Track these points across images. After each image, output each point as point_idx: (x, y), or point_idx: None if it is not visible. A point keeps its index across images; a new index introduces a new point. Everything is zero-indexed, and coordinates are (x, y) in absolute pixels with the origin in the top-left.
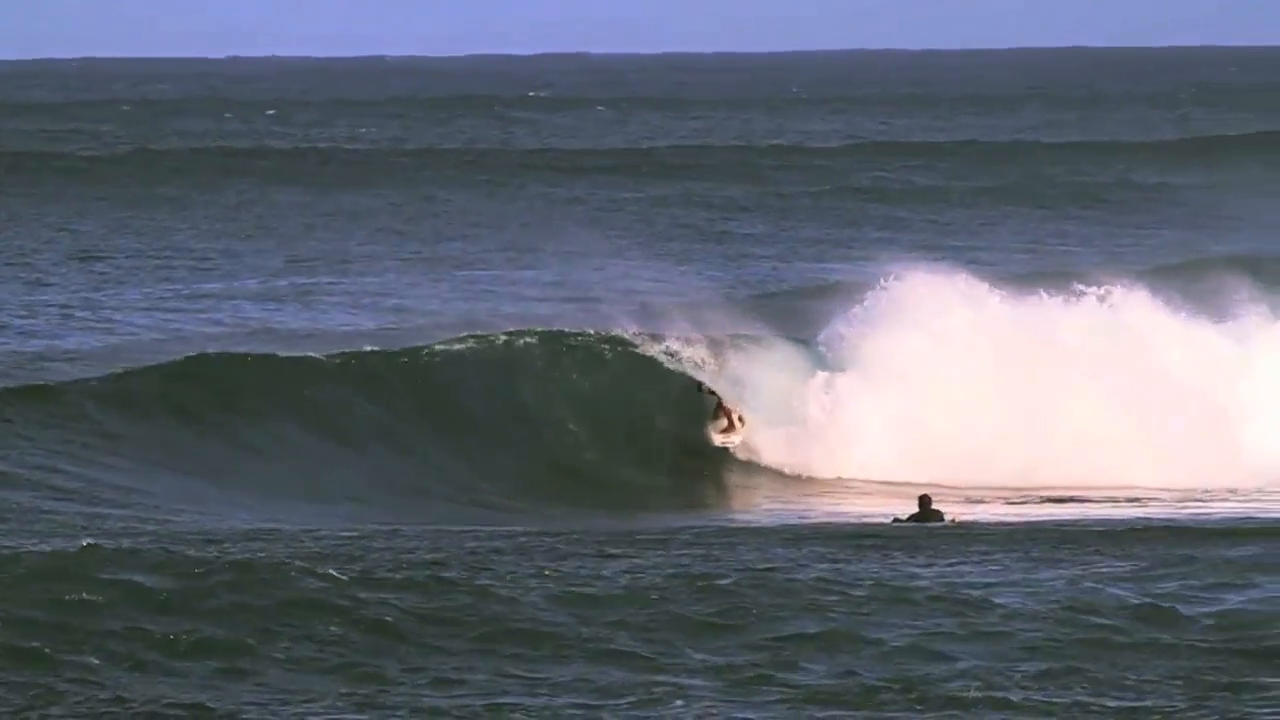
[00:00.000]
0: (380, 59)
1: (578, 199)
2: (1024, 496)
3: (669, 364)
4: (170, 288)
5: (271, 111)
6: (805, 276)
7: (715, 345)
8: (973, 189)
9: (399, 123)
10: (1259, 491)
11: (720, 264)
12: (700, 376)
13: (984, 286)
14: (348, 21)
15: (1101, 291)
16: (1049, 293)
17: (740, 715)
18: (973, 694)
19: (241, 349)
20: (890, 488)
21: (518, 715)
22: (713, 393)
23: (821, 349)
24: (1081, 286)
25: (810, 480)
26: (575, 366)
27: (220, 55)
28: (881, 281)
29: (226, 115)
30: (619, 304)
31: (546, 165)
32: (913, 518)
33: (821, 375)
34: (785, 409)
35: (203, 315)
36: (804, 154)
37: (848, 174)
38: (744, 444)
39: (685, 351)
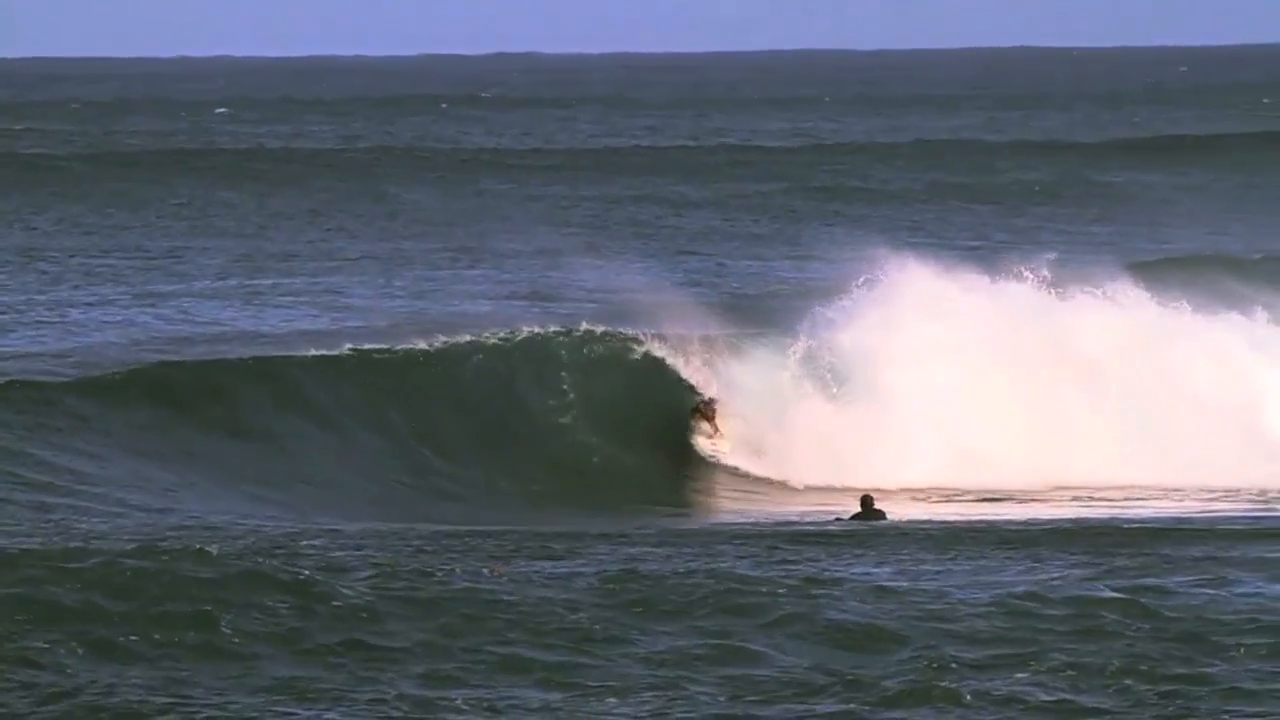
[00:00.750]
0: (332, 58)
1: (530, 197)
2: (995, 495)
3: (664, 365)
4: (119, 288)
5: (222, 110)
6: (771, 275)
7: (697, 344)
8: (925, 187)
9: (349, 121)
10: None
11: (678, 261)
12: (690, 379)
13: (963, 283)
14: (298, 21)
15: (1100, 290)
16: (1040, 289)
17: (680, 713)
18: (907, 687)
19: (200, 349)
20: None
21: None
22: (703, 404)
23: (804, 348)
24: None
25: (790, 483)
26: (568, 365)
27: (169, 54)
28: (858, 281)
29: (182, 114)
30: (582, 302)
31: (498, 164)
32: (855, 517)
33: (804, 376)
34: (771, 410)
35: (152, 314)
36: (756, 152)
37: (802, 172)
38: (724, 448)
39: (665, 350)
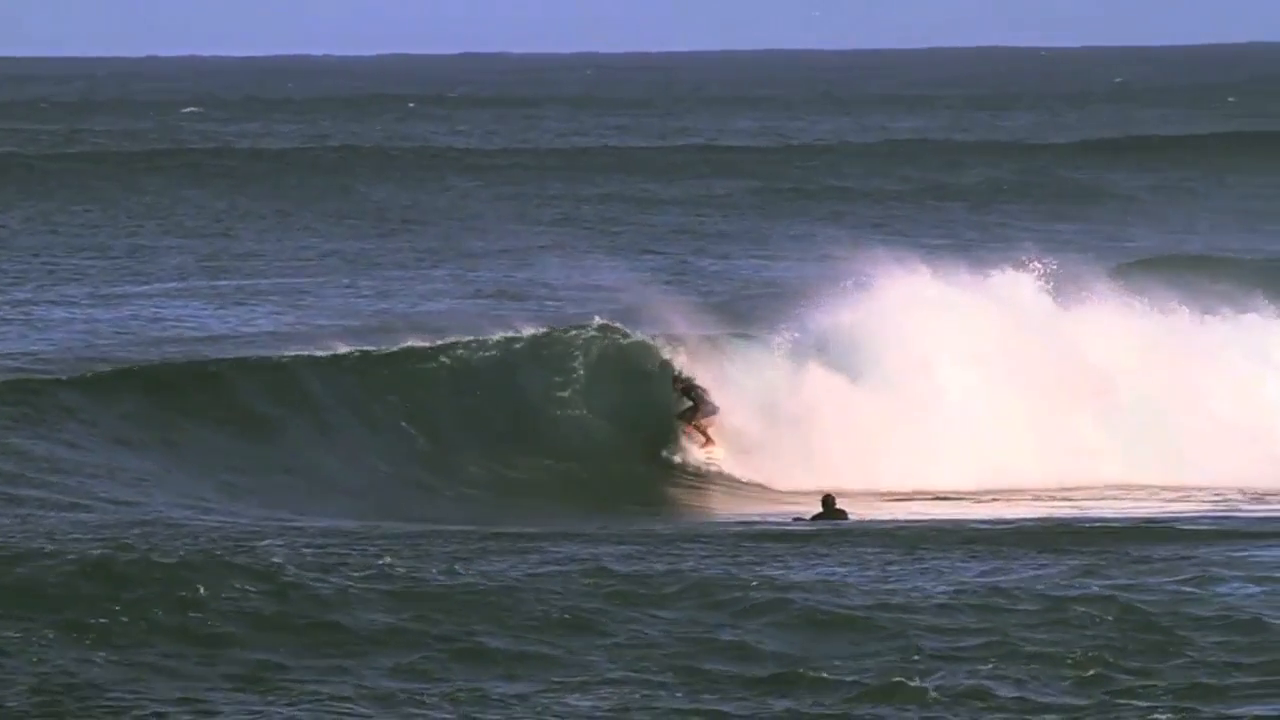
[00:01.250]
0: (304, 57)
1: (499, 196)
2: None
3: (659, 365)
4: (84, 287)
5: (190, 109)
6: (737, 274)
7: (682, 343)
8: (893, 186)
9: (317, 120)
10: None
11: (646, 260)
12: (678, 378)
13: (951, 284)
14: (267, 21)
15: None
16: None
17: (637, 711)
18: (872, 681)
19: (169, 348)
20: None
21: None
22: (687, 389)
23: (794, 348)
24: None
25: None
26: (565, 366)
27: (139, 54)
28: (848, 282)
29: (150, 113)
30: (549, 300)
31: (466, 163)
32: (816, 517)
33: (798, 374)
34: (765, 410)
35: (117, 312)
36: (725, 152)
37: (771, 172)
38: (717, 455)
39: (661, 348)
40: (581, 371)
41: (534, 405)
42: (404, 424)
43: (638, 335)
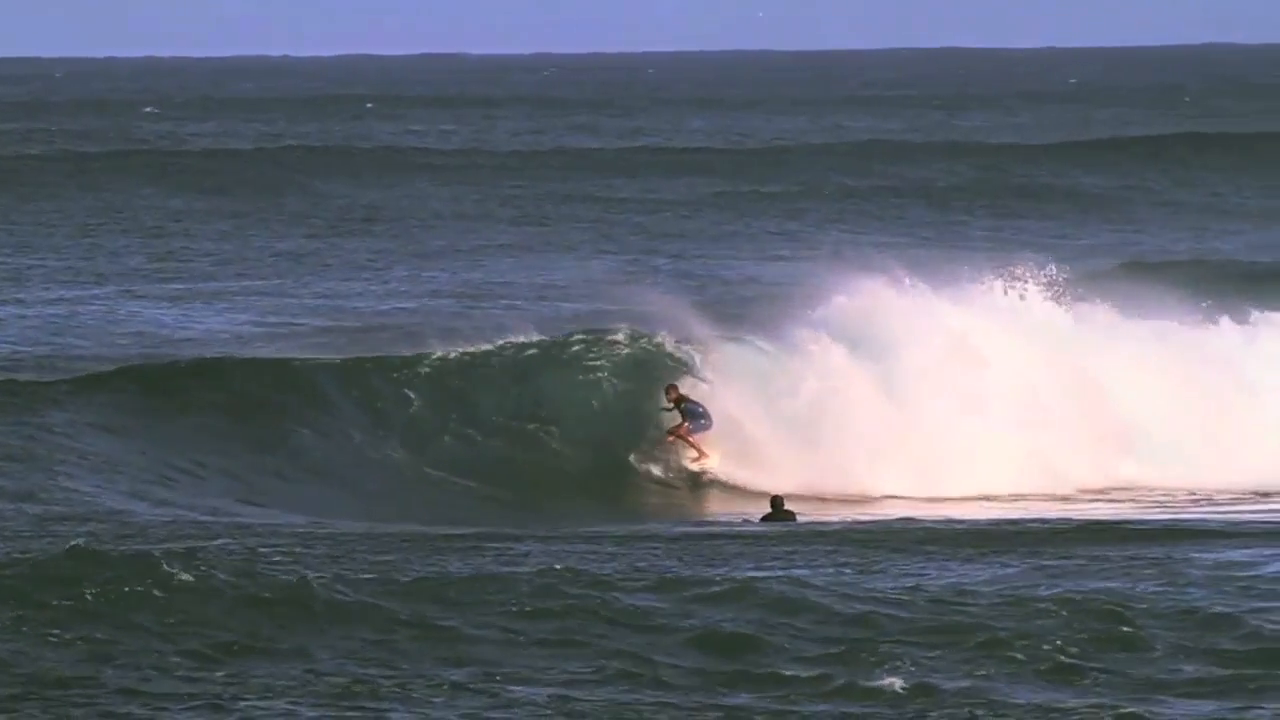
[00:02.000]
0: (262, 58)
1: (457, 196)
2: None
3: (655, 368)
4: (36, 291)
5: (149, 109)
6: (704, 273)
7: (703, 345)
8: (855, 186)
9: (274, 120)
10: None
11: (609, 258)
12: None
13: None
14: (224, 21)
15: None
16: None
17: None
18: (798, 673)
19: (130, 348)
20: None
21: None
22: (679, 401)
23: (795, 350)
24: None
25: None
26: (567, 371)
27: (98, 55)
28: (837, 289)
29: (109, 113)
30: (509, 298)
31: (425, 164)
32: (766, 518)
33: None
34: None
35: (75, 312)
36: (684, 153)
37: (734, 174)
38: (709, 465)
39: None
40: (603, 374)
41: (544, 409)
42: (407, 427)
43: (660, 340)
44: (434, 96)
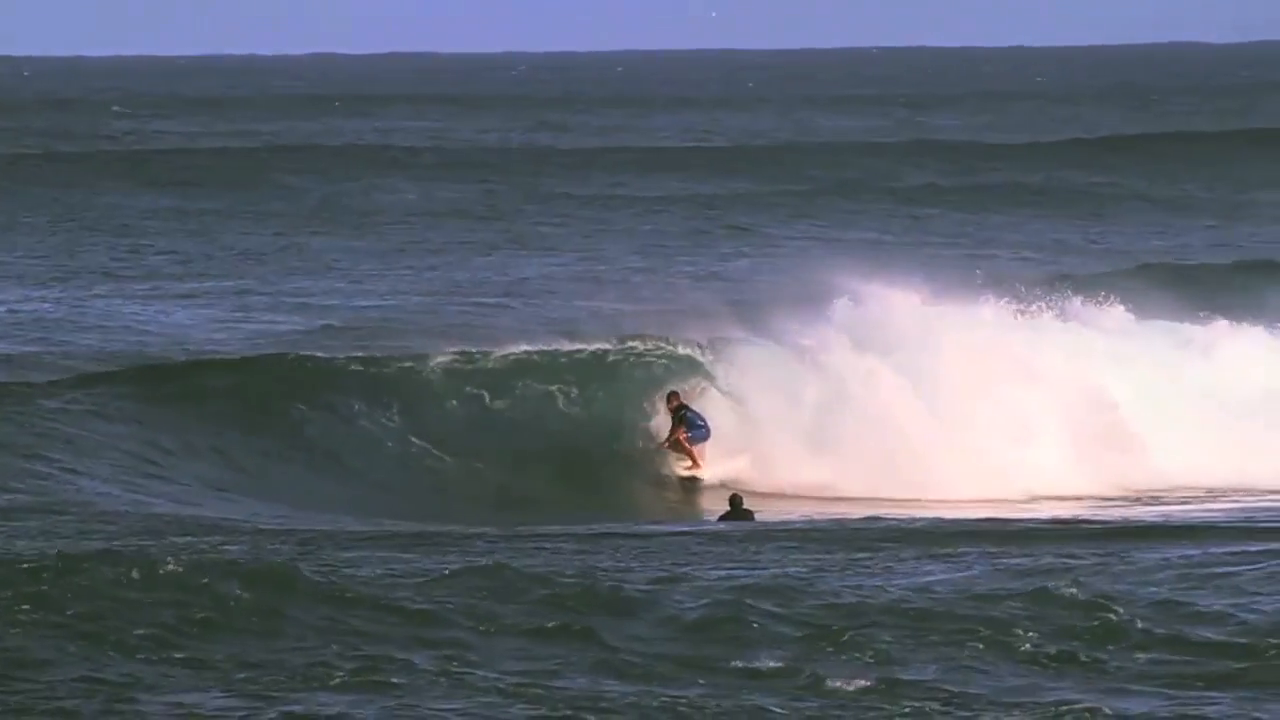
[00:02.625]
0: (230, 57)
1: (428, 195)
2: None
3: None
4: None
5: (116, 108)
6: (684, 273)
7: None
8: (819, 186)
9: (245, 119)
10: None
11: (581, 260)
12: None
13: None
14: (191, 20)
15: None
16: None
17: (552, 687)
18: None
19: (109, 346)
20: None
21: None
22: (677, 409)
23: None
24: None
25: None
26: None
27: (65, 53)
28: (842, 297)
29: (77, 112)
30: (479, 297)
31: (389, 163)
32: (723, 517)
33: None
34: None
35: (45, 311)
36: (652, 153)
37: (700, 173)
38: (703, 475)
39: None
40: (597, 379)
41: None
42: (414, 435)
43: (680, 348)
44: (403, 95)
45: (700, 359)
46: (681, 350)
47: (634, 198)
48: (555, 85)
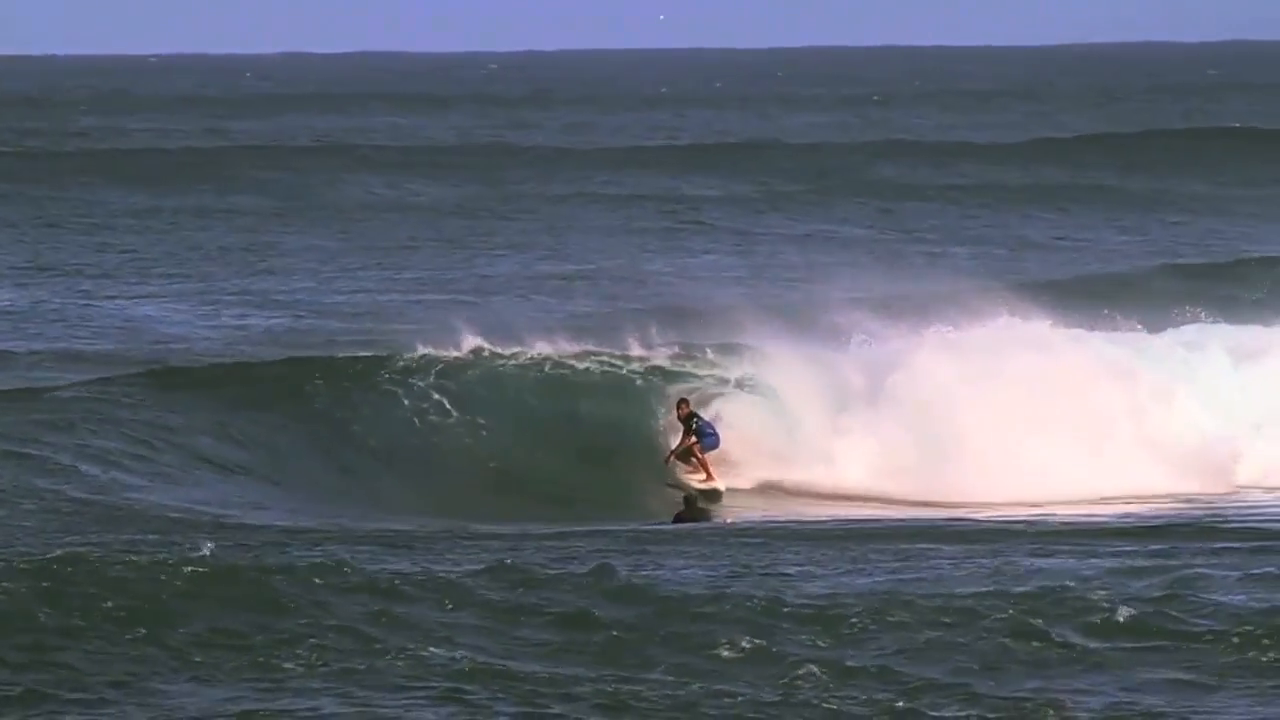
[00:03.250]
0: (201, 56)
1: (398, 194)
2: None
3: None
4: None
5: (82, 107)
6: (650, 273)
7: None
8: (771, 187)
9: (212, 118)
10: None
11: (541, 260)
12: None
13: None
14: (160, 19)
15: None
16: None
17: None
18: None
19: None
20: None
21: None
22: (688, 418)
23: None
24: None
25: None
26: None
27: (38, 52)
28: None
29: (44, 111)
30: (451, 293)
31: (364, 160)
32: (678, 518)
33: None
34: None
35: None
36: (612, 153)
37: (665, 173)
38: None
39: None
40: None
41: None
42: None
43: (708, 355)
44: (373, 94)
45: (747, 369)
46: (712, 357)
47: (603, 195)
48: (525, 84)
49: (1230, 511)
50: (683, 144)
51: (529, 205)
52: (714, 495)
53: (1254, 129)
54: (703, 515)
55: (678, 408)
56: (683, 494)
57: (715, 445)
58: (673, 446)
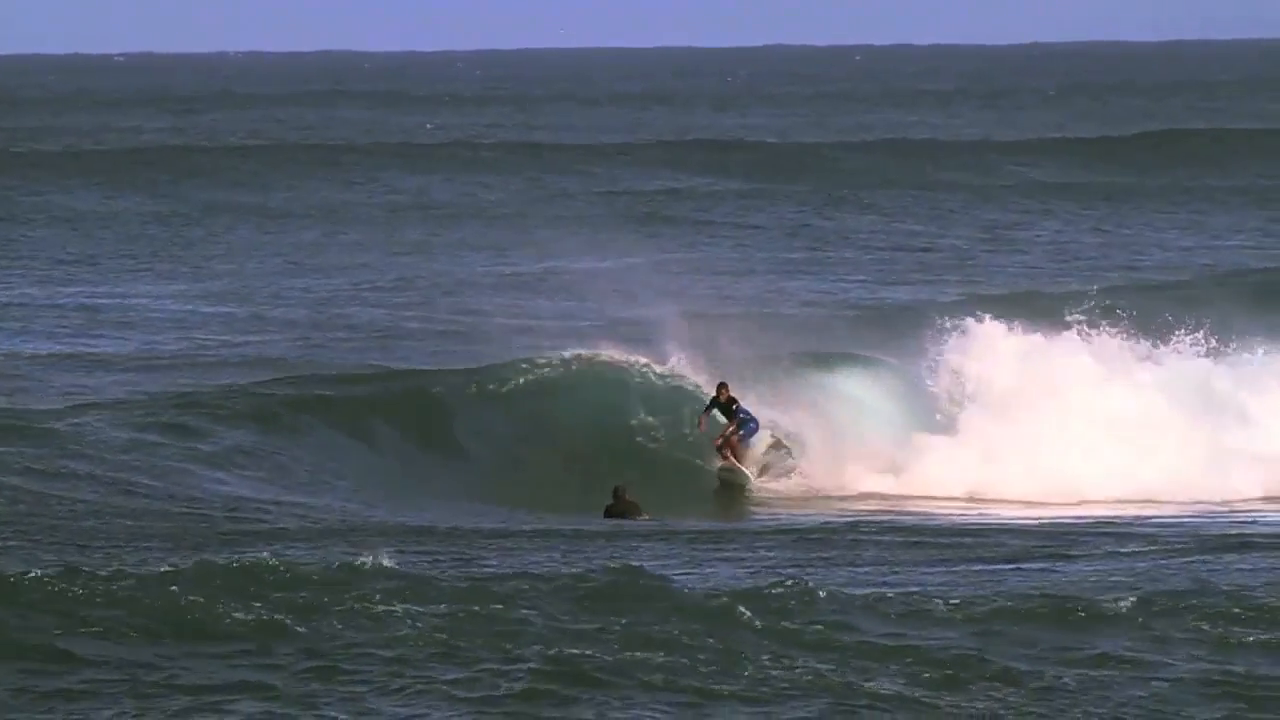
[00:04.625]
0: (177, 56)
1: (372, 193)
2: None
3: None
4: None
5: (50, 107)
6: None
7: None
8: (736, 188)
9: (182, 115)
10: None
11: (505, 259)
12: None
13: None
14: (121, 17)
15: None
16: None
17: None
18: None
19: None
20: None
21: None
22: (729, 403)
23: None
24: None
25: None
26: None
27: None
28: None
29: (20, 110)
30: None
31: (327, 158)
32: (608, 511)
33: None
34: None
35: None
36: (595, 150)
37: (633, 174)
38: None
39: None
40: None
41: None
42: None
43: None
44: (340, 91)
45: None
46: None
47: (583, 191)
48: (492, 82)
49: None
50: (659, 140)
51: (503, 204)
52: (739, 481)
53: None
54: (632, 509)
55: (718, 391)
56: (614, 487)
57: (755, 432)
58: (723, 430)
